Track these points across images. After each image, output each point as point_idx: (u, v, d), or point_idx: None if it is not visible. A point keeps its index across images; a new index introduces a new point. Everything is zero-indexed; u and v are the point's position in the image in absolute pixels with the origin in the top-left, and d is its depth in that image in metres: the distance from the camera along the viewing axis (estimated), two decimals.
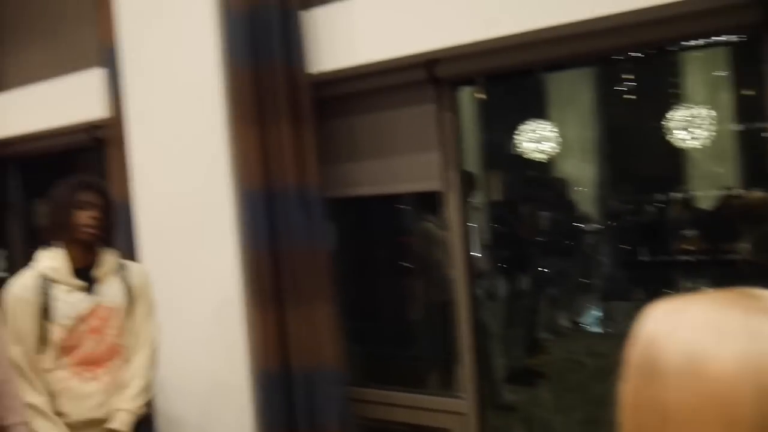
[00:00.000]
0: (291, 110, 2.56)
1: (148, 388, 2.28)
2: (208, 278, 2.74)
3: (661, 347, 0.54)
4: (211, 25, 2.67)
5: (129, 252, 2.82)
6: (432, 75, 2.53)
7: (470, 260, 2.69)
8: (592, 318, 6.55)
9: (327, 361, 2.56)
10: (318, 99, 2.61)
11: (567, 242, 6.49)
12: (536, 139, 7.06)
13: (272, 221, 2.58)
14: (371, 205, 3.74)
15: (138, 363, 2.25)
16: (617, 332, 5.98)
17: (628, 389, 0.58)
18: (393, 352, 3.72)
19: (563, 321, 6.19)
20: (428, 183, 2.66)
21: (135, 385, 2.23)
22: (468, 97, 5.57)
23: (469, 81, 2.93)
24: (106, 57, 2.99)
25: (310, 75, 2.59)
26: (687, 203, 7.21)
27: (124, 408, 2.18)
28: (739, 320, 0.51)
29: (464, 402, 2.61)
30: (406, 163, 2.68)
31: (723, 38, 2.32)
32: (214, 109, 2.70)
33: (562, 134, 7.58)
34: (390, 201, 3.96)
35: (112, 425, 2.15)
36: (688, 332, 0.53)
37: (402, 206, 4.15)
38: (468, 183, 3.19)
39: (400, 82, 2.61)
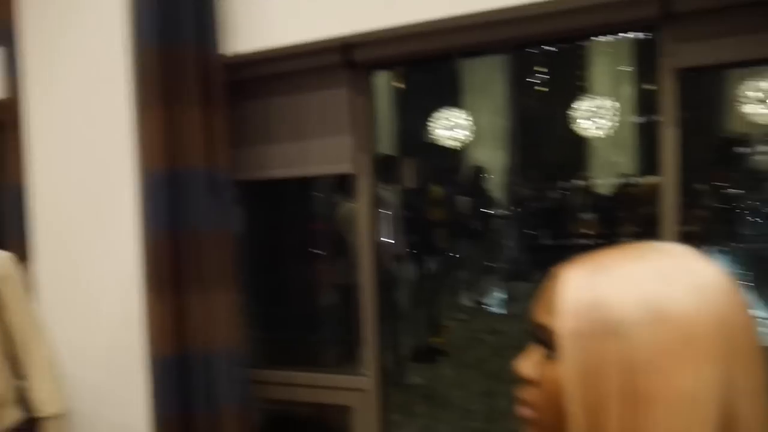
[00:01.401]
0: (201, 92, 2.52)
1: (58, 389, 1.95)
2: (108, 263, 2.68)
3: (609, 305, 0.55)
4: (118, 2, 2.59)
5: (21, 238, 2.72)
6: (347, 59, 2.56)
7: (377, 243, 2.76)
8: (495, 299, 6.83)
9: (227, 344, 2.57)
10: (231, 81, 2.59)
11: (476, 227, 6.71)
12: (450, 127, 7.22)
13: (175, 205, 2.53)
14: (285, 189, 3.74)
15: (38, 367, 1.92)
16: (518, 312, 6.29)
17: (577, 359, 0.56)
18: (300, 336, 3.76)
19: (467, 302, 6.43)
20: (340, 166, 2.70)
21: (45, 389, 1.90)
22: (385, 83, 5.63)
23: (384, 66, 2.97)
24: (4, 35, 2.83)
25: (223, 57, 2.56)
26: (588, 190, 7.60)
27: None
28: (676, 264, 0.56)
29: (366, 379, 2.70)
30: (319, 146, 2.71)
31: (629, 34, 2.48)
32: (119, 90, 2.62)
33: (476, 122, 7.79)
34: (305, 185, 3.97)
35: None
36: (631, 283, 0.55)
37: (317, 192, 4.18)
38: (383, 168, 3.26)
39: (315, 65, 2.62)
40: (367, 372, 2.71)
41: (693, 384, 0.52)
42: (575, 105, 6.89)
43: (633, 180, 7.39)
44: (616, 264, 0.58)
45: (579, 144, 8.24)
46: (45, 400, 1.83)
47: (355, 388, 2.72)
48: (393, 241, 4.00)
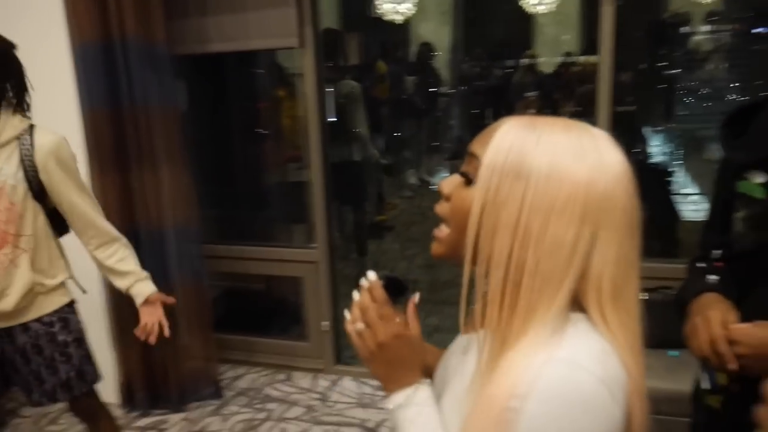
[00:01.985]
0: None
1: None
2: None
3: (526, 156, 0.67)
4: None
5: None
6: None
7: (325, 121, 2.78)
8: (439, 177, 7.00)
9: (178, 221, 2.61)
10: None
11: (421, 105, 6.72)
12: (395, 0, 6.99)
13: (112, 77, 2.46)
14: (230, 64, 3.65)
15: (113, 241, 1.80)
16: None
17: (491, 185, 0.68)
18: (251, 213, 3.82)
19: (413, 180, 6.57)
20: (284, 40, 2.66)
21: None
22: None
23: None
24: None
25: None
26: (532, 68, 7.61)
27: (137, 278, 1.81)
28: (591, 144, 0.68)
29: (316, 251, 2.83)
30: (261, 19, 2.64)
31: None
32: None
33: None
34: (248, 60, 3.86)
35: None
36: (550, 146, 0.67)
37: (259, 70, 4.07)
38: (327, 42, 3.20)
39: None
40: (317, 245, 2.83)
41: (565, 234, 0.65)
42: None
43: (575, 58, 7.43)
44: (546, 128, 0.69)
45: (524, 21, 8.16)
46: (134, 270, 1.80)
47: (306, 260, 2.85)
48: (337, 119, 4.01)
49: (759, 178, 1.04)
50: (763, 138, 1.04)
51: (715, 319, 0.99)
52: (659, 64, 6.19)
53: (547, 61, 7.95)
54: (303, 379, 2.88)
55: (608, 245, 0.66)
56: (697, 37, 6.42)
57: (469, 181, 0.73)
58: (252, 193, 3.95)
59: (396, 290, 0.86)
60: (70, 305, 1.80)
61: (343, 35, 5.60)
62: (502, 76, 7.89)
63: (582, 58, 6.72)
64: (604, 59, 2.45)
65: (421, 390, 0.79)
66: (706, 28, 6.36)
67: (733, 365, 0.95)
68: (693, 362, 1.12)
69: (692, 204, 4.34)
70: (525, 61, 7.84)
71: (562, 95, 6.73)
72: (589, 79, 4.62)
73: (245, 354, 3.01)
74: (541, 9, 6.91)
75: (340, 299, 2.89)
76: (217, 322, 2.80)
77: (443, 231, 0.77)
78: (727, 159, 1.15)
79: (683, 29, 6.38)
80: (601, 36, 2.43)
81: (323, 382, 2.85)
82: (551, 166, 0.66)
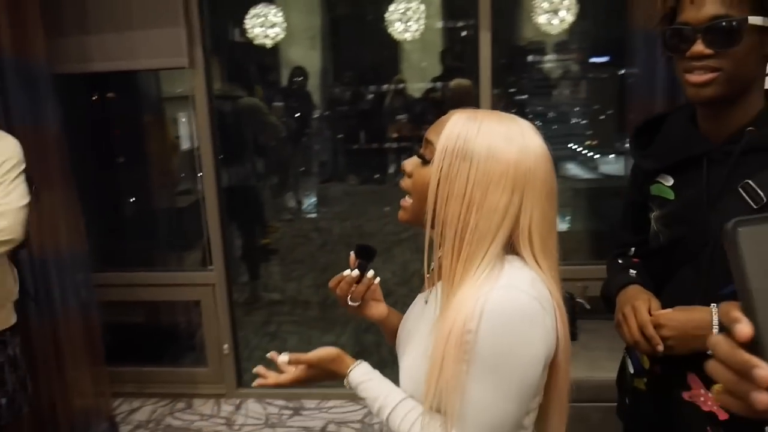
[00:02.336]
0: None
1: None
2: None
3: (469, 142, 0.87)
4: None
5: None
6: None
7: (217, 142, 2.76)
8: (313, 200, 7.08)
9: (65, 248, 2.47)
10: None
11: (293, 129, 6.76)
12: (264, 24, 7.01)
13: None
14: (116, 83, 3.50)
15: None
16: (340, 211, 6.60)
17: (444, 165, 0.88)
18: (144, 238, 3.67)
19: (292, 203, 6.58)
20: (173, 60, 2.62)
21: None
22: None
23: None
24: None
25: None
26: (400, 92, 7.88)
27: None
28: (518, 131, 0.89)
29: (214, 273, 2.78)
30: (149, 38, 2.59)
31: None
32: None
33: (289, 20, 7.62)
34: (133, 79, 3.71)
35: None
36: (488, 134, 0.87)
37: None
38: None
39: None
40: (214, 267, 2.78)
41: (499, 201, 0.86)
42: (389, 7, 7.01)
43: (442, 83, 7.79)
44: (485, 119, 0.90)
45: (392, 47, 8.49)
46: None
47: (203, 283, 2.79)
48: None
49: (668, 181, 1.18)
50: (668, 146, 1.18)
51: (641, 307, 1.11)
52: (511, 90, 6.69)
53: (414, 86, 8.31)
54: (205, 406, 2.80)
55: (533, 208, 0.87)
56: (545, 65, 7.01)
57: (426, 161, 0.93)
58: (140, 218, 3.79)
59: (367, 255, 1.07)
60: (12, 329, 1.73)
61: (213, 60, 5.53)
62: (372, 100, 8.14)
63: (453, 82, 7.06)
64: (483, 82, 2.66)
65: (354, 371, 1.03)
66: (553, 57, 6.95)
67: (660, 347, 1.08)
68: (612, 354, 1.26)
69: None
70: (393, 85, 8.14)
71: (432, 119, 7.07)
72: (458, 102, 4.91)
73: (141, 385, 2.87)
74: (407, 36, 7.24)
75: (238, 321, 2.85)
76: (110, 353, 2.66)
77: (407, 201, 0.97)
78: (638, 166, 1.28)
79: (532, 58, 6.93)
80: (482, 60, 2.64)
81: (227, 407, 2.78)
82: (489, 149, 0.87)
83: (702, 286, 1.10)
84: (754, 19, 1.02)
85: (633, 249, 1.30)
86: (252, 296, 4.21)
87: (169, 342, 3.24)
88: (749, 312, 0.48)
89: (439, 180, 0.88)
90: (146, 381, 2.88)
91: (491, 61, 2.65)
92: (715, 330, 1.04)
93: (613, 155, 4.50)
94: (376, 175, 8.17)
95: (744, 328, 0.48)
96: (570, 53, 6.71)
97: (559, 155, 5.38)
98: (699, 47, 1.05)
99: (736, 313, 0.49)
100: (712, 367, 0.52)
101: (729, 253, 0.48)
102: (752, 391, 0.47)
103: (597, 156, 4.56)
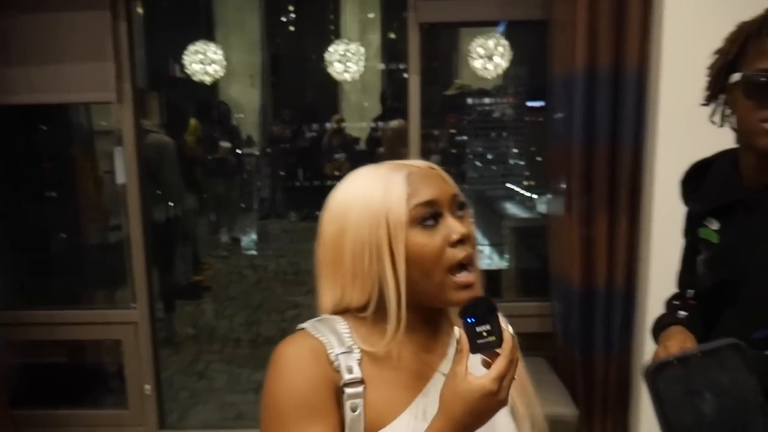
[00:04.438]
0: None
1: None
2: None
3: (345, 194, 0.87)
4: None
5: None
6: None
7: (144, 178, 2.72)
8: (251, 237, 7.00)
9: None
10: None
11: (230, 165, 6.70)
12: (203, 61, 6.99)
13: None
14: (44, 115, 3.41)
15: None
16: (274, 248, 6.55)
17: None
18: (63, 276, 3.54)
19: (226, 239, 6.49)
20: (100, 94, 2.58)
21: None
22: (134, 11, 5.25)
23: None
24: None
25: None
26: (339, 131, 7.95)
27: None
28: (380, 176, 0.86)
29: (137, 312, 2.70)
30: (76, 72, 2.55)
31: None
32: None
33: (229, 58, 7.63)
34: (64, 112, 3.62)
35: None
36: (360, 186, 0.87)
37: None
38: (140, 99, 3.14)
39: None
40: (137, 305, 2.70)
41: (364, 233, 0.83)
42: (329, 48, 7.12)
43: (380, 123, 7.91)
44: (365, 171, 0.89)
45: (331, 87, 8.60)
46: None
47: (125, 322, 2.70)
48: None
49: (714, 225, 1.21)
50: (714, 190, 1.23)
51: (673, 347, 1.10)
52: (451, 131, 6.85)
53: (353, 126, 8.41)
54: None
55: (387, 238, 0.86)
56: (484, 108, 7.22)
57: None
58: (68, 254, 3.66)
59: (485, 310, 0.78)
60: None
61: (149, 93, 5.48)
62: (312, 139, 8.19)
63: (392, 123, 7.17)
64: (412, 123, 2.73)
65: None
66: (491, 100, 7.17)
67: None
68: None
69: (485, 256, 4.82)
70: (332, 125, 8.21)
71: (370, 159, 7.15)
72: (395, 142, 4.99)
73: (57, 429, 2.73)
74: (347, 77, 7.35)
75: (163, 361, 2.77)
76: (18, 396, 2.53)
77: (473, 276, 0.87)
78: (689, 210, 1.32)
79: (472, 100, 7.13)
80: (410, 102, 2.71)
81: None
82: (359, 199, 0.89)
83: (737, 330, 1.09)
84: None
85: (692, 291, 1.30)
86: (179, 334, 4.10)
87: (90, 383, 3.11)
88: None
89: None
90: (63, 424, 2.74)
91: (423, 103, 2.72)
92: None
93: (549, 195, 4.68)
94: (316, 213, 8.17)
95: None
96: (507, 97, 6.96)
97: (498, 195, 5.52)
98: None
99: None
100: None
101: (651, 398, 0.49)
102: None
103: (535, 196, 4.70)
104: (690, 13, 2.11)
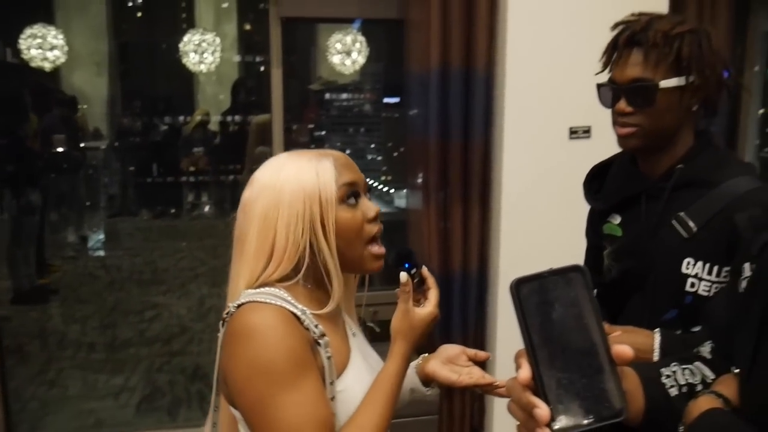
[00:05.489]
0: None
1: None
2: None
3: (278, 175, 0.97)
4: None
5: None
6: None
7: None
8: (101, 235, 6.62)
9: None
10: None
11: (76, 160, 6.27)
12: (42, 46, 6.47)
13: None
14: None
15: None
16: (126, 247, 6.23)
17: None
18: None
19: (74, 239, 6.08)
20: None
21: None
22: None
23: None
24: None
25: None
26: (200, 125, 7.66)
27: None
28: (308, 161, 0.98)
29: None
30: None
31: None
32: None
33: (71, 44, 7.14)
34: None
35: None
36: (292, 168, 0.97)
37: None
38: None
39: None
40: None
41: (299, 208, 0.95)
42: (183, 37, 6.88)
43: (238, 117, 7.74)
44: (286, 157, 1.01)
45: (187, 78, 8.29)
46: None
47: None
48: None
49: (616, 220, 1.30)
50: (616, 186, 1.31)
51: None
52: (310, 126, 6.87)
53: (211, 119, 8.15)
54: None
55: (317, 219, 1.00)
56: (342, 104, 7.31)
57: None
58: None
59: (407, 259, 1.03)
60: None
61: None
62: (167, 132, 7.81)
63: (262, 117, 7.07)
64: (276, 118, 2.75)
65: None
66: (350, 95, 7.28)
67: None
68: None
69: None
70: (189, 117, 7.91)
71: (228, 152, 6.96)
72: (257, 136, 4.96)
73: None
74: (202, 68, 7.13)
75: (8, 372, 2.58)
76: None
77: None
78: (592, 209, 1.40)
79: (330, 95, 7.20)
80: (273, 96, 2.72)
81: None
82: (269, 179, 1.02)
83: (647, 313, 1.20)
84: (667, 82, 1.15)
85: (595, 291, 1.38)
86: (27, 341, 3.80)
87: None
88: (530, 357, 0.56)
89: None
90: None
91: (283, 97, 2.74)
92: (656, 354, 1.13)
93: (406, 189, 4.85)
94: (173, 210, 7.82)
95: (523, 372, 0.57)
96: (365, 93, 7.10)
97: None
98: (621, 105, 1.18)
99: (520, 359, 0.58)
100: (510, 407, 0.60)
101: (514, 307, 0.56)
102: (536, 428, 0.55)
103: (392, 190, 4.85)
104: (532, 15, 2.31)
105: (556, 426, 0.55)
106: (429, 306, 1.02)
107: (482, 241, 2.46)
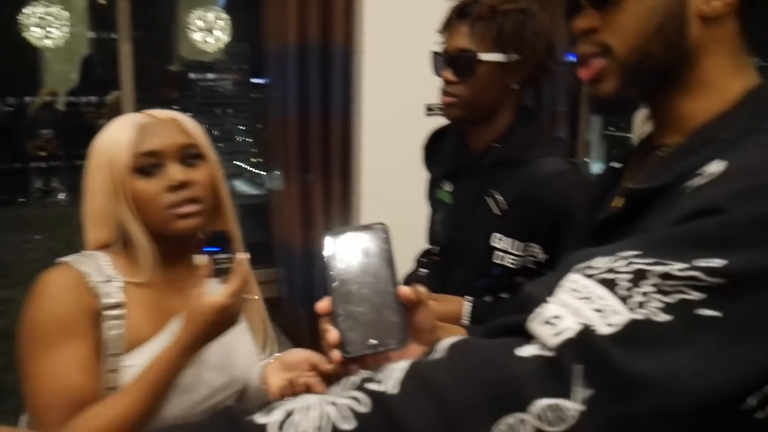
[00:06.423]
0: None
1: None
2: None
3: (97, 139, 0.98)
4: None
5: None
6: None
7: None
8: None
9: None
10: None
11: None
12: None
13: None
14: None
15: None
16: None
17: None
18: None
19: None
20: None
21: None
22: None
23: None
24: None
25: None
26: (48, 105, 7.11)
27: None
28: (118, 127, 0.98)
29: None
30: None
31: None
32: None
33: None
34: None
35: None
36: (105, 132, 0.98)
37: None
38: None
39: None
40: None
41: (99, 175, 0.97)
42: (23, 9, 6.32)
43: (93, 97, 7.26)
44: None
45: (30, 54, 7.62)
46: None
47: None
48: None
49: (448, 187, 1.32)
50: (448, 155, 1.32)
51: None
52: (173, 107, 6.59)
53: (59, 99, 7.58)
54: None
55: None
56: (208, 84, 7.06)
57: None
58: None
59: (218, 243, 0.95)
60: None
61: None
62: (8, 114, 7.21)
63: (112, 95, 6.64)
64: (126, 94, 2.60)
65: None
66: (215, 76, 7.04)
67: None
68: None
69: None
70: (45, 97, 7.30)
71: (81, 132, 6.53)
72: (109, 115, 4.65)
73: None
74: (48, 43, 6.59)
75: None
76: None
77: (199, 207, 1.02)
78: (429, 175, 1.41)
79: (195, 75, 6.93)
80: (123, 73, 2.57)
81: None
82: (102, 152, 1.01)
83: (462, 281, 1.26)
84: (488, 56, 1.17)
85: (436, 248, 1.38)
86: None
87: None
88: (330, 294, 0.66)
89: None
90: None
91: (134, 74, 2.60)
92: (465, 320, 1.17)
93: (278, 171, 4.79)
94: (20, 199, 7.22)
95: (321, 304, 0.66)
96: (232, 73, 6.89)
97: (226, 173, 5.49)
98: (446, 74, 1.21)
99: (324, 300, 0.67)
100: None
101: (323, 254, 0.65)
102: (328, 351, 0.65)
103: (264, 173, 4.76)
104: None
105: (347, 349, 0.64)
106: (219, 295, 0.90)
107: (344, 218, 2.48)
